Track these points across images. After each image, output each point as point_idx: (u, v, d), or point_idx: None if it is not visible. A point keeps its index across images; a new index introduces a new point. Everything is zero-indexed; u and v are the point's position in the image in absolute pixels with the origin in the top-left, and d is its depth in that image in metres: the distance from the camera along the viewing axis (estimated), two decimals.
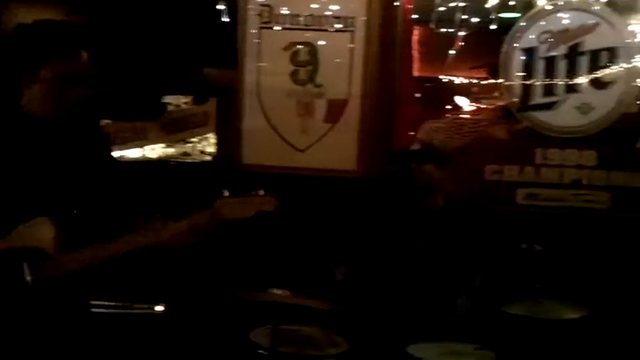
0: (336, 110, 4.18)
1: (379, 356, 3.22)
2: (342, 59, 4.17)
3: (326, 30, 4.18)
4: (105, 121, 4.18)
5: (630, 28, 4.19)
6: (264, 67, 4.23)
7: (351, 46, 4.16)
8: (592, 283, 3.80)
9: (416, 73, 5.65)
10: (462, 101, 4.73)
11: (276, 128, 4.24)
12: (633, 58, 4.17)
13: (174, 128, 4.52)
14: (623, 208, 4.12)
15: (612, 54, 4.17)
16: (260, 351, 3.05)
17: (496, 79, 4.35)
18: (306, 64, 4.20)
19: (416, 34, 6.72)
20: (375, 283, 3.45)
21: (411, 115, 4.32)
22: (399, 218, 3.55)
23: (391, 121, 4.22)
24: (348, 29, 4.15)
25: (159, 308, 3.81)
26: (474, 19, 4.63)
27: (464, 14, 4.35)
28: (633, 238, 3.91)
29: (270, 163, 4.21)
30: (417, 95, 4.54)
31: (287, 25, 4.20)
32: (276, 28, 4.20)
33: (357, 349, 3.18)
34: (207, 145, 4.53)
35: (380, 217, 3.66)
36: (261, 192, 2.34)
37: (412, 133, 4.21)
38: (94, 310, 2.62)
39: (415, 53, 7.46)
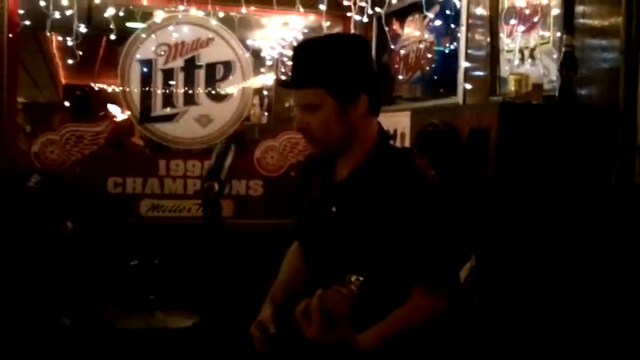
0: None
1: None
2: None
3: None
4: None
5: (243, 43, 4.40)
6: None
7: None
8: (210, 290, 3.88)
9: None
10: (84, 112, 4.58)
11: None
12: (247, 72, 4.38)
13: None
14: (243, 216, 4.29)
15: (227, 68, 4.34)
16: None
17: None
18: None
19: (56, 41, 6.39)
20: None
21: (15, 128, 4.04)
22: None
23: None
24: None
25: None
26: (98, 29, 4.51)
27: (80, 22, 4.17)
28: (251, 243, 4.07)
29: None
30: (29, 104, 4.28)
31: None
32: None
33: None
34: None
35: None
36: None
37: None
38: None
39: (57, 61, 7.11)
